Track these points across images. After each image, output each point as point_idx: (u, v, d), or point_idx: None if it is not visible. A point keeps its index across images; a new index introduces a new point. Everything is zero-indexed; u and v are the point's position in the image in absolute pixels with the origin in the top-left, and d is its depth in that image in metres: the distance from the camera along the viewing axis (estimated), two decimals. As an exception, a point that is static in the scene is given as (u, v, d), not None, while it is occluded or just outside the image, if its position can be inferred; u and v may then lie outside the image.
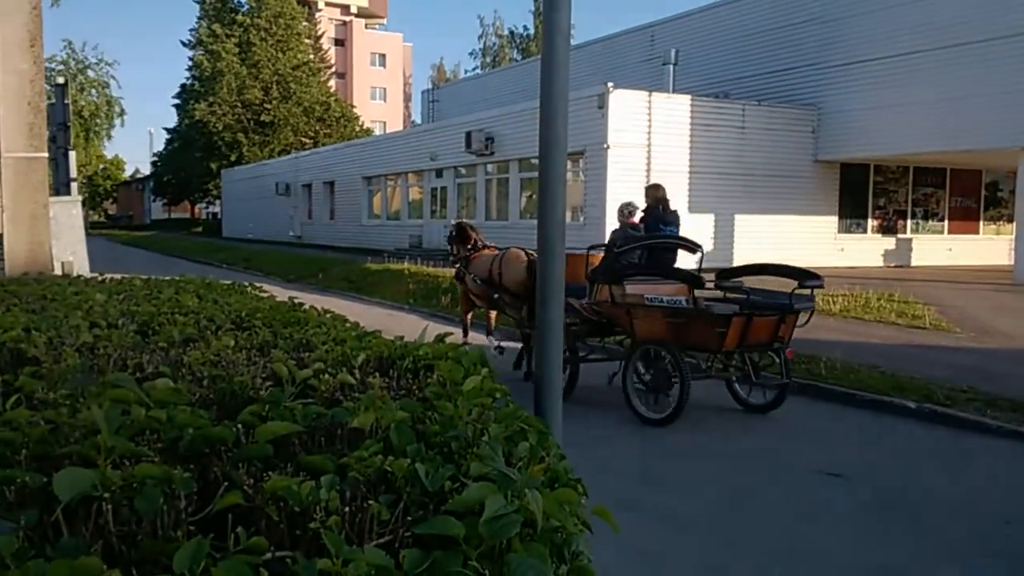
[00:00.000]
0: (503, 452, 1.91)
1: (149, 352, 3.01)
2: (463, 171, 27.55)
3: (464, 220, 12.82)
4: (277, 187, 40.25)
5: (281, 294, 5.61)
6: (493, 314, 10.68)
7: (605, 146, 20.51)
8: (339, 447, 2.04)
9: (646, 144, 20.90)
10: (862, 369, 9.30)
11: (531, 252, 9.71)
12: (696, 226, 21.60)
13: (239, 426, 2.02)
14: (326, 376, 2.62)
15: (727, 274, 8.45)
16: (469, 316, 11.05)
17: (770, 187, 22.26)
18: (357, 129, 56.60)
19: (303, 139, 53.68)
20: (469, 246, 10.77)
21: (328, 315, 4.25)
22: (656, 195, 9.78)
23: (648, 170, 20.68)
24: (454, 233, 11.20)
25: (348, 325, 3.91)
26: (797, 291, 7.77)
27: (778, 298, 7.79)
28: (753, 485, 5.93)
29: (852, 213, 23.84)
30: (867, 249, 23.81)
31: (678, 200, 21.34)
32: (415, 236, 28.40)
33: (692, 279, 7.83)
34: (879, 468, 6.24)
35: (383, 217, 32.63)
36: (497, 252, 10.33)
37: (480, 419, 2.19)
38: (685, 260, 8.78)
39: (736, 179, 21.72)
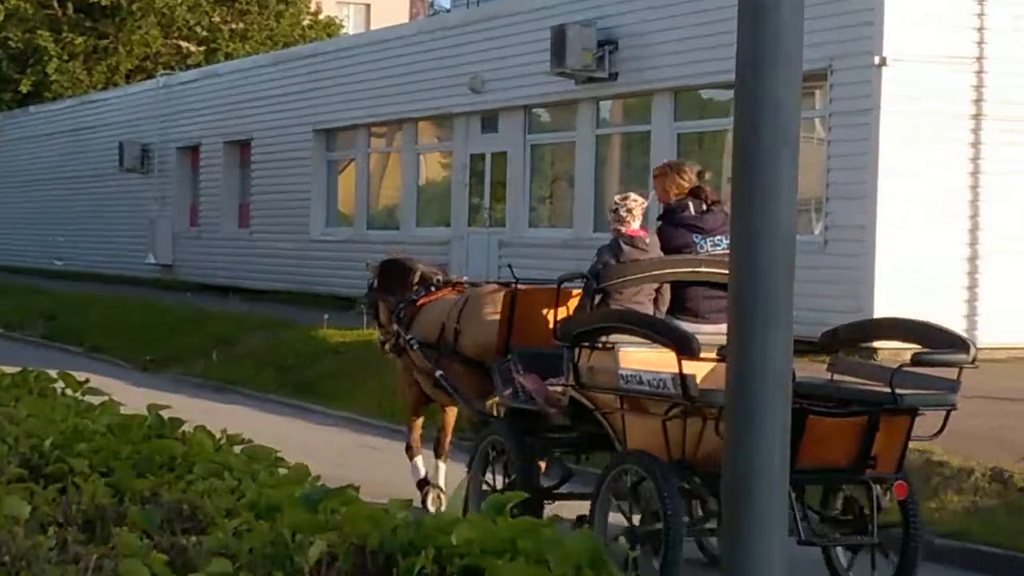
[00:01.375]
0: None
1: None
2: (544, 116, 23.75)
3: (399, 255, 12.66)
4: (123, 153, 34.17)
5: (131, 397, 5.20)
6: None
7: (875, 60, 16.63)
8: None
9: (973, 57, 17.01)
10: None
11: (514, 284, 9.98)
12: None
13: None
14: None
15: (839, 338, 8.68)
16: (419, 423, 11.08)
17: None
18: (305, 23, 47.08)
19: (183, 44, 45.48)
20: (416, 287, 10.78)
21: (239, 447, 3.79)
22: (681, 180, 9.74)
23: (977, 114, 17.04)
24: (376, 280, 11.38)
25: (284, 472, 3.50)
26: (908, 368, 7.81)
27: (876, 380, 8.09)
28: None
29: None
30: None
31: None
32: (432, 265, 22.32)
33: (677, 337, 8.08)
34: None
35: (359, 222, 27.84)
36: (463, 294, 10.70)
37: None
38: None
39: None
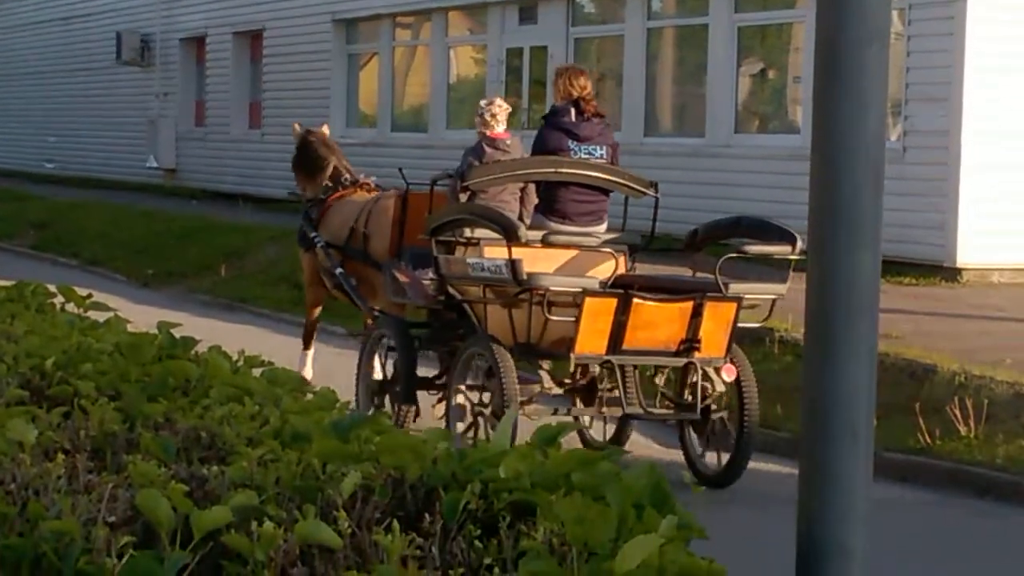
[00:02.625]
0: None
1: None
2: (589, 7, 22.88)
3: (313, 129, 13.13)
4: (120, 44, 32.83)
5: (132, 314, 4.87)
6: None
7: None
8: None
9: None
10: None
11: (405, 190, 11.18)
12: None
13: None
14: (266, 524, 2.11)
15: (706, 234, 9.69)
16: (317, 313, 12.23)
17: None
18: None
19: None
20: (326, 181, 11.31)
21: (259, 370, 3.57)
22: (570, 87, 10.63)
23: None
24: (297, 155, 12.10)
25: (310, 397, 3.33)
26: (731, 258, 8.91)
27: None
28: None
29: None
30: None
31: None
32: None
33: (505, 225, 8.99)
34: None
35: (383, 123, 26.71)
36: (375, 195, 11.18)
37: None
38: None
39: None
